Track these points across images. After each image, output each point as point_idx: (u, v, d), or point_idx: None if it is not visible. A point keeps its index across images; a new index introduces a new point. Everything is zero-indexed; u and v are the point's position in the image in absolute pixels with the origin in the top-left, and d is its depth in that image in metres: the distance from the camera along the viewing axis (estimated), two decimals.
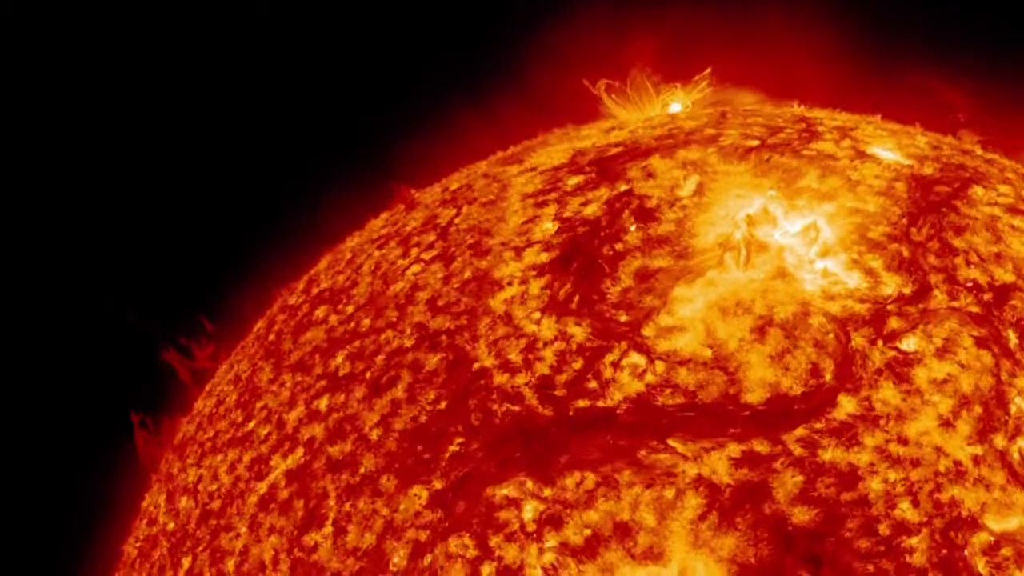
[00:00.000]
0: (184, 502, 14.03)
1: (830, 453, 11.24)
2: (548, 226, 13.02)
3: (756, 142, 13.65)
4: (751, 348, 11.64)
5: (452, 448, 11.86)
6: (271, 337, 14.50)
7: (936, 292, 12.07)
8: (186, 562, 13.49)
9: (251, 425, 13.59)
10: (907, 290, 12.04)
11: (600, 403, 11.61)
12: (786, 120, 14.51)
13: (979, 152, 15.01)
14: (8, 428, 18.42)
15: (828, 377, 11.53)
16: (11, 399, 18.53)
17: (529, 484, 11.47)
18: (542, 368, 11.89)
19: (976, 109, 15.72)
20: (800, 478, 11.17)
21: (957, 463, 11.32)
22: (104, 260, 19.18)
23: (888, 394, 11.46)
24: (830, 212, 12.63)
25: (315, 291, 14.51)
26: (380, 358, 12.72)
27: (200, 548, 13.36)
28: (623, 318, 11.98)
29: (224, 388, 14.78)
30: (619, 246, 12.52)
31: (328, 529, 12.17)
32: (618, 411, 11.55)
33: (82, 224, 19.03)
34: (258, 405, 13.64)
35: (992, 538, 11.16)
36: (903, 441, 11.33)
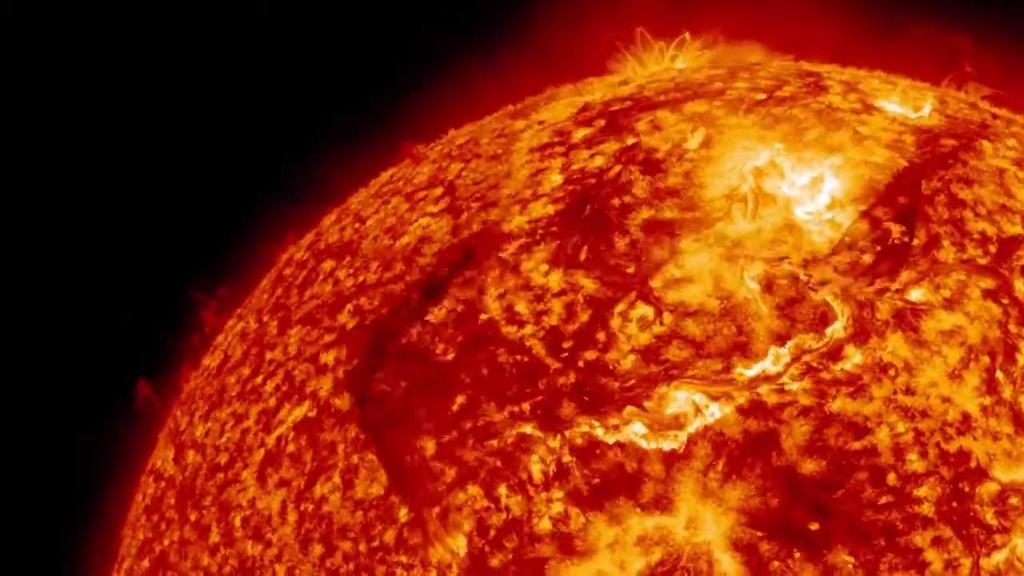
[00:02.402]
0: (191, 456, 14.06)
1: (838, 403, 11.26)
2: (556, 179, 13.01)
3: (763, 95, 13.62)
4: (759, 299, 11.64)
5: (459, 400, 11.87)
6: (278, 292, 14.51)
7: (944, 243, 12.06)
8: (194, 515, 13.53)
9: (258, 379, 13.61)
10: (915, 242, 12.03)
11: (608, 354, 11.61)
12: (793, 74, 14.48)
13: (986, 106, 14.99)
14: (14, 384, 18.44)
15: (836, 328, 11.54)
16: (17, 354, 18.55)
17: (537, 435, 11.49)
18: (550, 320, 11.89)
19: (983, 63, 15.68)
20: (808, 428, 11.19)
21: (965, 414, 11.33)
22: (108, 219, 19.18)
23: (896, 345, 11.48)
24: (837, 165, 12.61)
25: (321, 246, 14.51)
26: (387, 311, 12.73)
27: (208, 501, 13.39)
28: (631, 270, 11.98)
29: (231, 343, 14.79)
30: (627, 198, 12.51)
31: (336, 481, 12.20)
32: (626, 362, 11.55)
33: (86, 181, 19.03)
34: (265, 359, 13.66)
35: (1000, 488, 11.18)
36: (911, 392, 11.34)
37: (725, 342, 11.52)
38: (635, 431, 11.33)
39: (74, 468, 17.76)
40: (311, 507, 12.30)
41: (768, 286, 11.71)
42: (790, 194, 12.34)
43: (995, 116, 14.50)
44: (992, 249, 12.17)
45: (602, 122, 13.71)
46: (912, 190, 12.46)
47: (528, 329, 11.92)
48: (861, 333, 11.51)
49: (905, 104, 13.84)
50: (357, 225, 14.28)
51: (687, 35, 15.91)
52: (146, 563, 14.18)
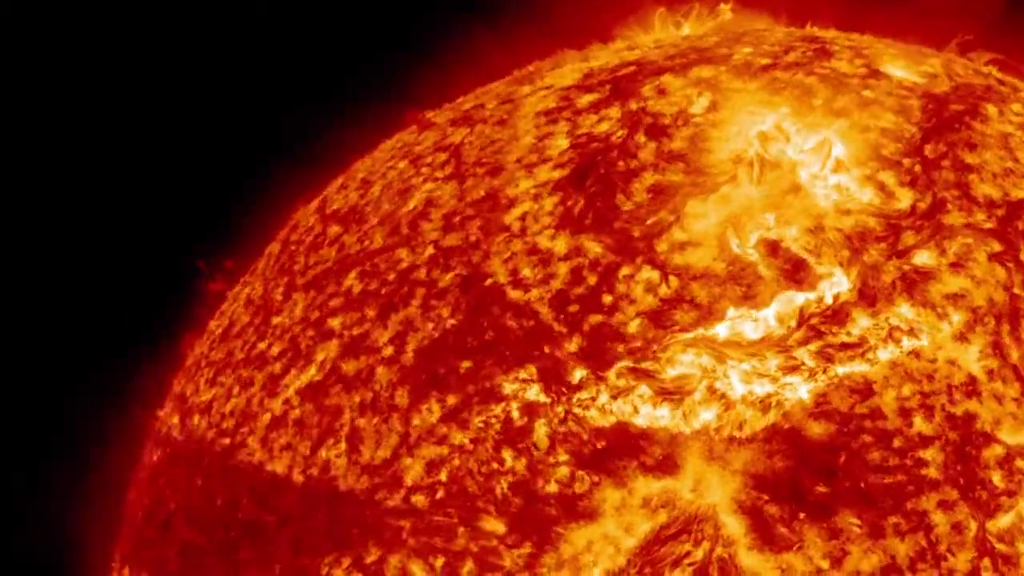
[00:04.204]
0: (196, 421, 14.07)
1: (844, 367, 11.28)
2: (561, 143, 13.01)
3: (769, 60, 13.62)
4: (764, 263, 11.65)
5: (465, 364, 11.89)
6: (283, 258, 14.51)
7: (950, 207, 12.07)
8: (199, 481, 13.55)
9: (264, 345, 13.62)
10: (921, 205, 12.05)
11: (614, 318, 11.63)
12: (799, 39, 14.47)
13: (992, 72, 14.98)
14: (13, 353, 18.47)
15: (842, 291, 11.55)
16: (18, 324, 18.57)
17: (542, 398, 11.51)
18: (556, 284, 11.92)
19: (989, 29, 15.68)
20: (814, 392, 11.21)
21: (971, 377, 11.35)
22: (110, 189, 19.19)
23: (902, 308, 11.49)
24: (843, 129, 12.62)
25: (328, 211, 14.52)
26: (393, 276, 12.74)
27: (212, 466, 13.42)
28: (636, 233, 11.98)
29: (237, 309, 14.80)
30: (632, 162, 12.52)
31: (342, 446, 12.22)
32: (632, 326, 11.57)
33: (88, 151, 19.03)
34: (271, 324, 13.67)
35: (1006, 451, 11.20)
36: (917, 355, 11.36)
37: (731, 305, 11.53)
38: (641, 394, 11.35)
39: (76, 435, 17.80)
40: (316, 471, 12.31)
41: (773, 250, 11.72)
42: (796, 158, 12.35)
43: (1001, 82, 14.50)
44: (998, 213, 12.18)
45: (608, 87, 13.71)
46: (918, 154, 12.46)
47: (534, 293, 11.94)
48: (867, 297, 11.52)
49: (911, 69, 13.83)
50: (363, 190, 14.29)
51: (695, 2, 15.91)
52: (151, 530, 14.21)
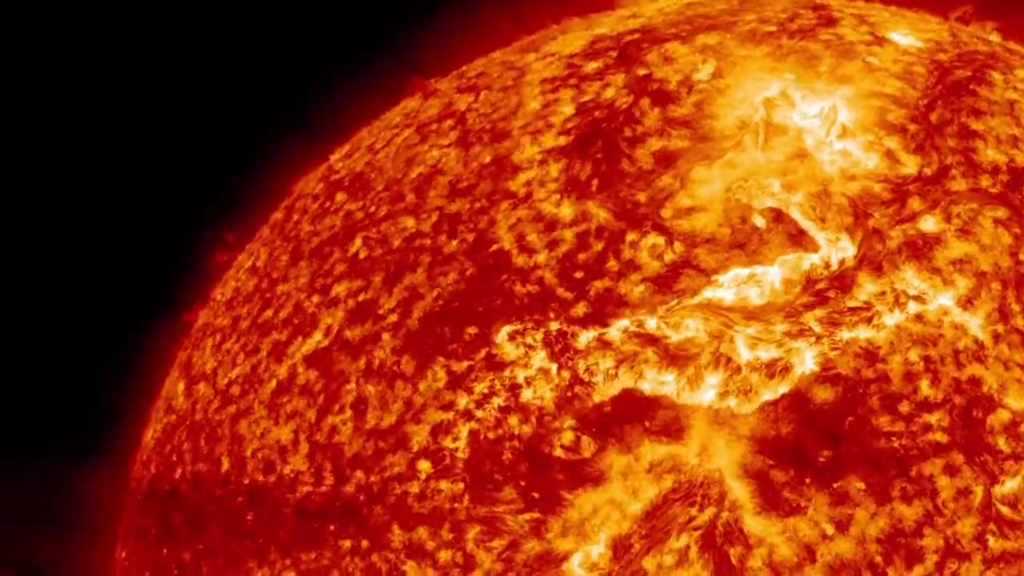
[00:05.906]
0: (202, 389, 14.08)
1: (850, 332, 11.29)
2: (567, 110, 12.99)
3: (774, 27, 13.60)
4: (770, 228, 11.65)
5: (470, 330, 11.90)
6: (288, 225, 14.51)
7: (955, 173, 12.07)
8: (205, 447, 13.56)
9: (269, 312, 13.62)
10: (927, 171, 12.04)
11: (620, 283, 11.63)
12: (803, 6, 14.44)
13: (996, 39, 14.97)
14: (23, 323, 18.48)
15: (848, 256, 11.55)
16: (24, 295, 18.58)
17: (548, 364, 11.52)
18: (561, 249, 11.91)
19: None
20: (820, 357, 11.22)
21: (977, 342, 11.36)
22: (114, 159, 19.18)
23: (908, 273, 11.49)
24: (848, 95, 12.60)
25: (332, 179, 14.50)
26: (399, 242, 12.73)
27: (219, 433, 13.43)
28: (642, 199, 11.98)
29: (242, 276, 14.80)
30: (638, 128, 12.50)
31: (348, 412, 12.23)
32: (638, 291, 11.57)
33: (94, 119, 19.00)
34: (276, 291, 13.67)
35: (1011, 416, 11.22)
36: (922, 320, 11.37)
37: (736, 270, 11.54)
38: (647, 359, 11.36)
39: (81, 405, 17.81)
40: (322, 438, 12.33)
41: (778, 216, 11.72)
42: (801, 124, 12.33)
43: (1006, 48, 14.49)
44: (1003, 179, 12.17)
45: (613, 54, 13.69)
46: (923, 120, 12.45)
47: (540, 259, 11.93)
48: (872, 262, 11.53)
49: (916, 36, 13.82)
50: (368, 158, 14.27)
51: None
52: (158, 496, 14.24)
